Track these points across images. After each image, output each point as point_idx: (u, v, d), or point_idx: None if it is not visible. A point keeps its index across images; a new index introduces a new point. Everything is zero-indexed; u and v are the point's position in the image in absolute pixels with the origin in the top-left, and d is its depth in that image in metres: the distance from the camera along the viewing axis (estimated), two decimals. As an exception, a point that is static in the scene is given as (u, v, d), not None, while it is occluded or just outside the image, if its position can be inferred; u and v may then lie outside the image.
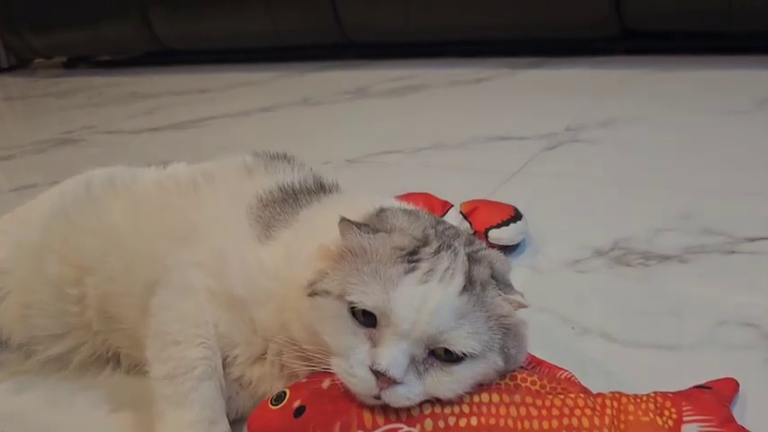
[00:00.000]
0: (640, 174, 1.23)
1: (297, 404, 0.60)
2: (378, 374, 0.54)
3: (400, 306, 0.54)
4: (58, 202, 0.86)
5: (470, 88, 2.07)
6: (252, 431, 0.62)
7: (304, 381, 0.63)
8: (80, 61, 3.75)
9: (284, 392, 0.62)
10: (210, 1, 2.89)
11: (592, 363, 0.70)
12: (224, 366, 0.66)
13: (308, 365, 0.62)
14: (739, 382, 0.63)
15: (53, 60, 3.85)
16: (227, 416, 0.65)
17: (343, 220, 0.60)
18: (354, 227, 0.59)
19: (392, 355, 0.54)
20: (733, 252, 0.90)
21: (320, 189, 0.76)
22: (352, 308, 0.56)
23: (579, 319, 0.78)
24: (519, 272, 0.68)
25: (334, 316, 0.57)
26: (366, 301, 0.55)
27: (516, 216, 0.97)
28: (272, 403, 0.62)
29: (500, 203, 1.01)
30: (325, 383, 0.61)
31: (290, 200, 0.72)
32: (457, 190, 1.07)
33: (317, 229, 0.65)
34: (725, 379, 0.63)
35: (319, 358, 0.59)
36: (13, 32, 3.71)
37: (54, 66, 3.82)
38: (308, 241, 0.64)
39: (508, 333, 0.59)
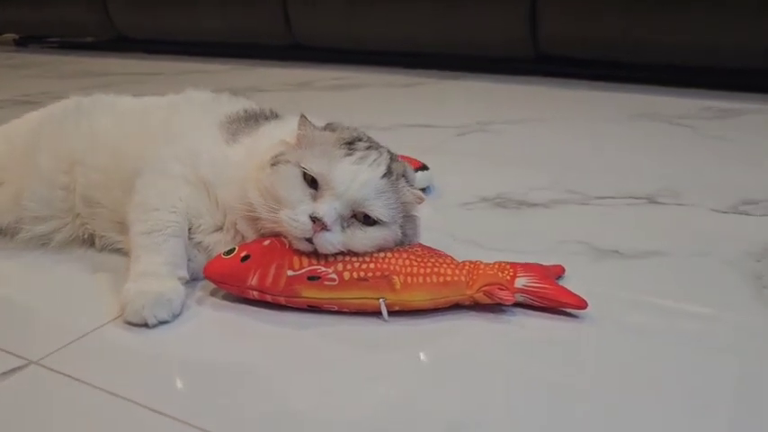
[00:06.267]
0: (529, 153, 1.51)
1: (243, 253, 0.82)
2: (315, 221, 0.76)
3: (339, 175, 0.77)
4: (48, 116, 1.06)
5: (402, 90, 2.33)
6: (207, 274, 0.83)
7: (249, 242, 0.85)
8: (31, 40, 3.81)
9: (234, 248, 0.83)
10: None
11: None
12: (189, 233, 0.87)
13: (257, 230, 0.84)
14: (567, 272, 0.88)
15: (2, 37, 3.89)
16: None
17: (302, 116, 0.83)
18: (309, 122, 0.83)
19: (327, 207, 0.76)
20: (586, 204, 1.17)
21: (273, 115, 0.98)
22: (303, 174, 0.78)
23: (461, 234, 1.02)
24: (421, 208, 0.87)
25: (290, 177, 0.79)
26: (315, 168, 0.78)
27: (423, 167, 1.21)
28: (223, 255, 0.83)
29: (412, 158, 1.25)
30: (266, 242, 0.82)
31: (252, 119, 0.95)
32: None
33: (271, 136, 0.88)
34: (555, 265, 0.88)
35: (269, 215, 0.80)
36: (-38, 5, 3.68)
37: (3, 42, 3.87)
38: (264, 143, 0.87)
39: (408, 217, 0.83)
